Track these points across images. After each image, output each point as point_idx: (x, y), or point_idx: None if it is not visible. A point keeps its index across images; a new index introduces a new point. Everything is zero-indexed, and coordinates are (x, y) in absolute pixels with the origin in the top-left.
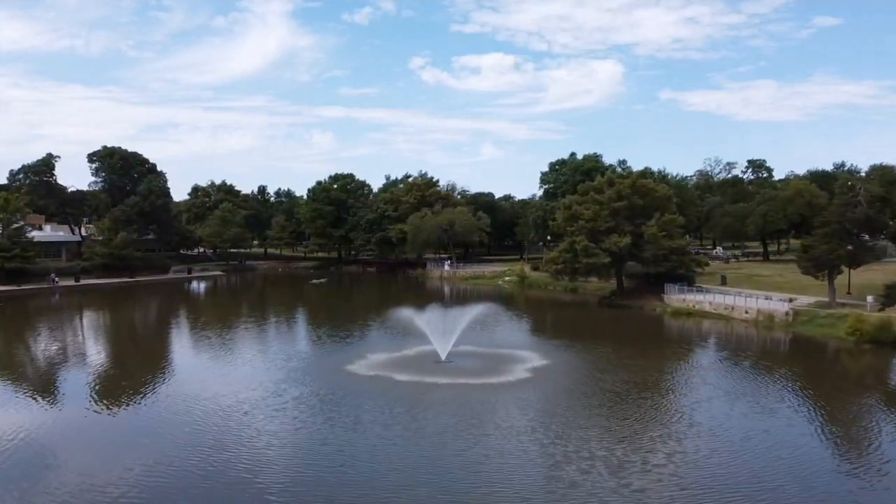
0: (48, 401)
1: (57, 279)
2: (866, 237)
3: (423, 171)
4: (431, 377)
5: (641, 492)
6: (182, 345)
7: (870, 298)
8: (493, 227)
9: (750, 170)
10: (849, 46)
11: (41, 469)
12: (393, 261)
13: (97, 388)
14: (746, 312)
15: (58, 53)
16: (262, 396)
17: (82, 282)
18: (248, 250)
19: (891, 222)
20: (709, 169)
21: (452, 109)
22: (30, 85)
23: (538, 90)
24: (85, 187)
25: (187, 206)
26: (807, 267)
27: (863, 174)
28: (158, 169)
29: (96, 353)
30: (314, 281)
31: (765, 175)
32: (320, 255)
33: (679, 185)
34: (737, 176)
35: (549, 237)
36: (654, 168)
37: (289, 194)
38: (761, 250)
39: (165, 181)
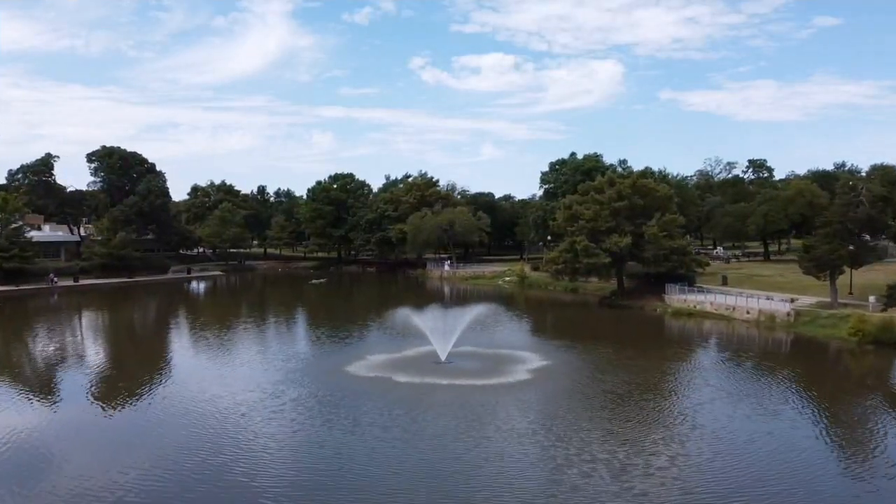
0: (46, 402)
1: (55, 279)
2: (867, 237)
3: (423, 171)
4: (431, 378)
5: (644, 495)
6: (180, 345)
7: (872, 299)
8: (493, 227)
9: (750, 170)
10: (849, 46)
11: (37, 472)
12: (393, 261)
13: (95, 388)
14: (748, 313)
15: (58, 53)
16: (260, 398)
17: (81, 282)
18: (247, 250)
19: (892, 222)
20: (709, 169)
21: (452, 109)
22: (30, 85)
23: (538, 90)
24: (84, 187)
25: (187, 206)
26: (808, 267)
27: (863, 174)
28: (157, 169)
29: (94, 354)
30: (314, 281)
31: (765, 175)
32: (320, 255)
33: (679, 184)
34: (737, 176)
35: (549, 237)
36: (655, 168)
37: (288, 194)
38: (762, 250)
39: (164, 181)
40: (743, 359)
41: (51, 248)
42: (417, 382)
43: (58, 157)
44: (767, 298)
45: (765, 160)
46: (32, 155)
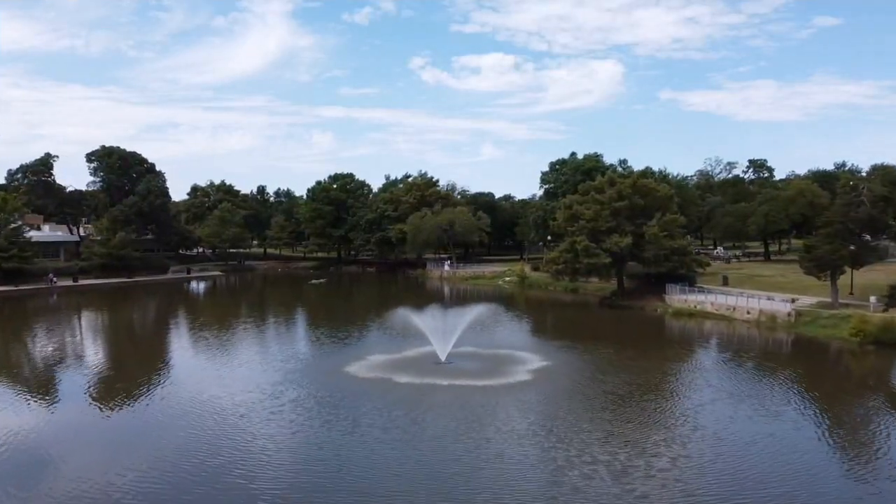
0: (43, 403)
1: (55, 279)
2: (868, 237)
3: (423, 171)
4: (431, 379)
5: (645, 498)
6: (179, 346)
7: (873, 299)
8: (493, 227)
9: (751, 169)
10: (849, 46)
11: (34, 474)
12: (393, 261)
13: (93, 389)
14: (748, 313)
15: (58, 53)
16: (259, 399)
17: (80, 282)
18: (247, 250)
19: (893, 222)
20: (709, 169)
21: (452, 109)
22: (30, 85)
23: (538, 90)
24: (83, 187)
25: (186, 206)
26: (809, 267)
27: (864, 174)
28: (157, 169)
29: (93, 354)
30: (313, 281)
31: (766, 175)
32: (320, 255)
33: (679, 185)
34: (738, 176)
35: (549, 237)
36: (655, 168)
37: (288, 194)
38: (762, 250)
39: (164, 181)
40: (744, 359)
41: (50, 248)
42: (417, 383)
43: (57, 156)
44: (768, 299)
45: (765, 160)
46: (32, 155)
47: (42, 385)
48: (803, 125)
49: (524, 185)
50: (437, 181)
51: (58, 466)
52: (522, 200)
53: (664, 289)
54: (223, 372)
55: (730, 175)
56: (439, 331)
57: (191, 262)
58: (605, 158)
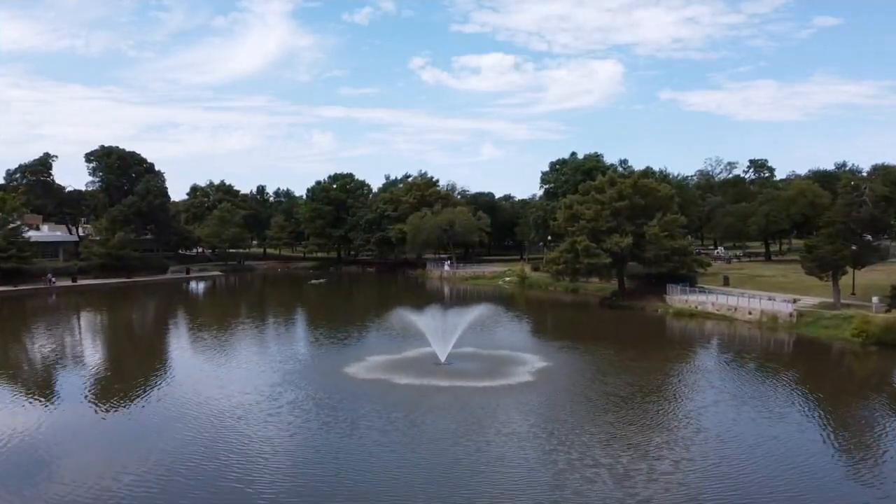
0: (40, 404)
1: (54, 279)
2: (869, 237)
3: (423, 171)
4: (431, 380)
5: (648, 502)
6: (178, 346)
7: (875, 299)
8: (493, 227)
9: (752, 169)
10: (849, 46)
11: (28, 477)
12: (392, 261)
13: (90, 390)
14: (750, 313)
15: (58, 53)
16: (257, 400)
17: (79, 282)
18: (246, 250)
19: (894, 222)
20: (710, 169)
21: (452, 109)
22: (30, 85)
23: (538, 90)
24: (83, 187)
25: (186, 206)
26: (811, 267)
27: (864, 174)
28: (156, 168)
29: (91, 355)
30: (313, 281)
31: (766, 175)
32: (319, 255)
33: (680, 185)
34: (738, 176)
35: (549, 237)
36: (655, 168)
37: (288, 194)
38: (763, 250)
39: (163, 181)
40: (746, 360)
41: (49, 248)
42: (417, 384)
43: (56, 156)
44: (769, 299)
45: (766, 160)
46: (32, 155)
47: (39, 386)
48: (803, 125)
49: (524, 185)
50: (437, 181)
51: (52, 469)
52: (522, 200)
53: (665, 289)
54: (221, 373)
55: (730, 175)
56: (439, 331)
57: (190, 262)
58: (605, 158)
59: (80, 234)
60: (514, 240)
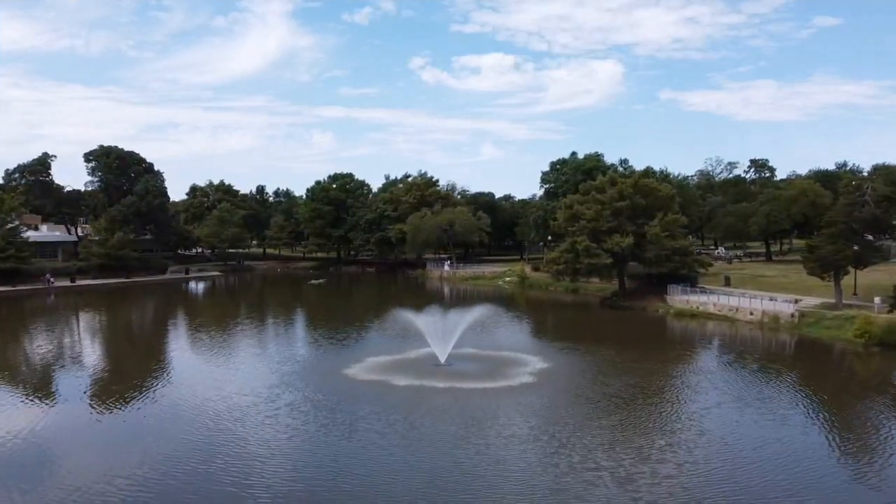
0: (36, 405)
1: (52, 280)
2: (870, 237)
3: (423, 171)
4: (430, 381)
5: None
6: (176, 347)
7: (877, 300)
8: (493, 227)
9: (752, 169)
10: (849, 46)
11: (21, 480)
12: (392, 261)
13: (87, 392)
14: (751, 314)
15: (58, 53)
16: (255, 402)
17: (78, 282)
18: (246, 250)
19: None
20: (710, 169)
21: (452, 109)
22: (30, 85)
23: (538, 90)
24: (81, 187)
25: (185, 206)
26: (813, 267)
27: (865, 174)
28: (156, 168)
29: (89, 356)
30: (313, 281)
31: (767, 175)
32: (319, 255)
33: (680, 184)
34: (739, 175)
35: (549, 237)
36: (656, 168)
37: (287, 194)
38: (763, 250)
39: (162, 181)
40: (748, 361)
41: (48, 248)
42: (416, 385)
43: (55, 156)
44: (771, 299)
45: (767, 160)
46: (32, 155)
47: (36, 387)
48: (803, 125)
49: (524, 185)
50: (437, 181)
51: (46, 472)
52: (523, 200)
53: (666, 289)
54: (219, 374)
55: (731, 175)
56: (439, 332)
57: (189, 262)
58: (605, 158)
59: (79, 234)
60: (515, 240)
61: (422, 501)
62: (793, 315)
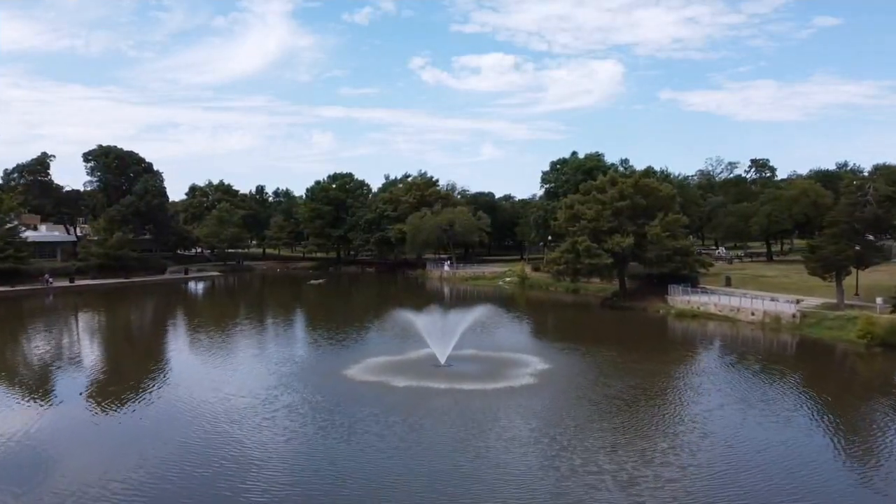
0: (32, 407)
1: (51, 280)
2: (871, 237)
3: (423, 171)
4: (430, 382)
5: None
6: (174, 348)
7: (879, 300)
8: (493, 227)
9: (753, 169)
10: (849, 46)
11: (14, 484)
12: (392, 261)
13: (83, 393)
14: (752, 314)
15: (58, 53)
16: (252, 404)
17: (77, 282)
18: (246, 250)
19: None
20: (710, 169)
21: (452, 109)
22: (30, 85)
23: (538, 90)
24: (81, 187)
25: (185, 206)
26: (814, 268)
27: (865, 174)
28: (155, 168)
29: (87, 357)
30: (312, 281)
31: (768, 175)
32: (319, 255)
33: (681, 184)
34: (740, 175)
35: (550, 237)
36: (656, 168)
37: (287, 194)
38: (764, 250)
39: (162, 180)
40: (750, 362)
41: (47, 248)
42: (416, 387)
43: (53, 156)
44: (772, 300)
45: (767, 160)
46: (32, 155)
47: (32, 388)
48: (803, 125)
49: (524, 185)
50: (437, 181)
51: (41, 475)
52: (523, 200)
53: (666, 290)
54: (217, 375)
55: (731, 175)
56: (439, 333)
57: (189, 262)
58: (605, 158)
59: (78, 234)
60: (515, 240)
61: None
62: (794, 315)
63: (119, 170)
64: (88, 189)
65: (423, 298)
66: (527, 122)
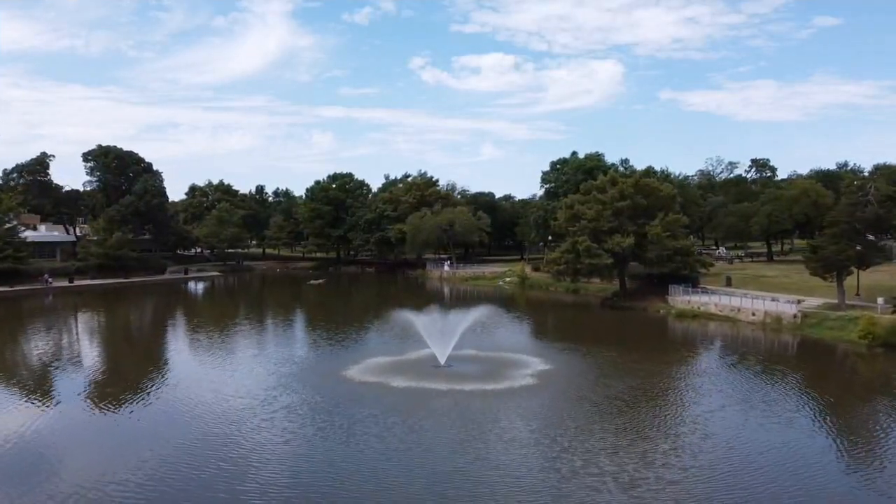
0: (30, 407)
1: (50, 280)
2: (872, 237)
3: (422, 171)
4: (430, 383)
5: None
6: (173, 348)
7: (880, 300)
8: (493, 227)
9: (753, 169)
10: (849, 46)
11: (11, 486)
12: (392, 261)
13: (81, 394)
14: (753, 314)
15: (58, 53)
16: (251, 405)
17: (76, 282)
18: (245, 250)
19: None
20: (711, 168)
21: (452, 109)
22: (30, 85)
23: (538, 90)
24: (80, 187)
25: (184, 206)
26: (815, 268)
27: (866, 174)
28: (155, 168)
29: (85, 357)
30: (312, 282)
31: (768, 175)
32: (319, 255)
33: (681, 184)
34: (740, 175)
35: (550, 237)
36: (657, 167)
37: (287, 194)
38: (765, 250)
39: (161, 180)
40: (751, 362)
41: (46, 248)
42: (415, 387)
43: (53, 156)
44: (773, 300)
45: (768, 160)
46: (32, 155)
47: (31, 389)
48: (803, 125)
49: (524, 185)
50: (437, 181)
51: (39, 476)
52: (523, 200)
53: (667, 290)
54: (216, 376)
55: (731, 175)
56: (438, 333)
57: (189, 262)
58: (605, 158)
59: (78, 234)
60: (515, 240)
61: None
62: (795, 316)
63: (119, 170)
64: (88, 189)
65: (422, 298)
66: (527, 122)
